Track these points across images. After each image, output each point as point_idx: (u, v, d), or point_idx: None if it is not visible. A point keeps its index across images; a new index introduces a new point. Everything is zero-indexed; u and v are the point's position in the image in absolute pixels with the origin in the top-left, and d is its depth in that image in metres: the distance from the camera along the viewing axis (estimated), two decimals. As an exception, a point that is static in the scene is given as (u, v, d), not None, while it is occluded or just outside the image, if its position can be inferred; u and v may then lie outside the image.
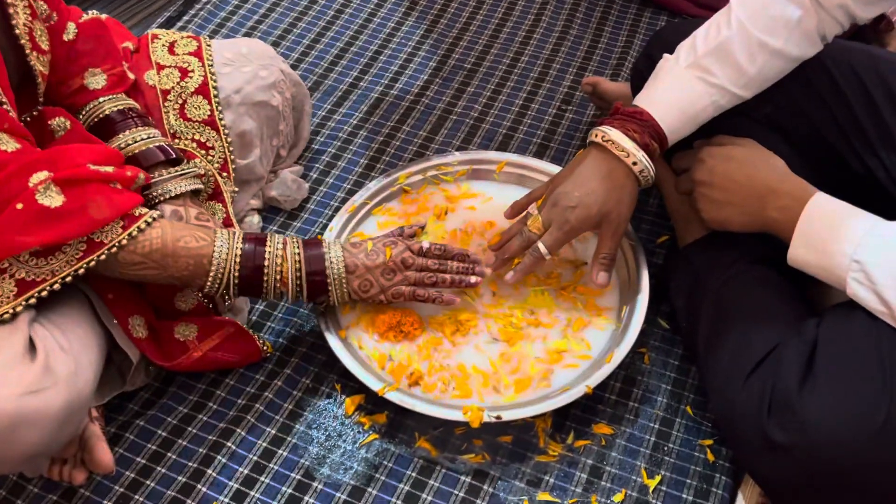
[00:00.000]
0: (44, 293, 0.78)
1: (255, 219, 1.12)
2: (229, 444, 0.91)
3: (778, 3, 0.88)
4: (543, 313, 0.98)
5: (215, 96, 1.02)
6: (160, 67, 1.02)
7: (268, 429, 0.93)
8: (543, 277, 1.01)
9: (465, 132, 1.26)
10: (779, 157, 0.91)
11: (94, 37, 0.96)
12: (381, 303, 0.94)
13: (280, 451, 0.91)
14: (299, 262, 0.89)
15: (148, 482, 0.89)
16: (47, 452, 0.81)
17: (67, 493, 0.88)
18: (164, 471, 0.89)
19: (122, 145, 0.93)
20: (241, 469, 0.90)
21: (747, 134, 0.94)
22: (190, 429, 0.93)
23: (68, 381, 0.75)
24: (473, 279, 0.95)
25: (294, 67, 1.34)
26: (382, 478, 0.89)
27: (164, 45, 1.04)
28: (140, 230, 0.82)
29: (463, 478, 0.90)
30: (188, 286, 0.90)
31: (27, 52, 0.84)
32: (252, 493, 0.88)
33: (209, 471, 0.89)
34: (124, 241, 0.81)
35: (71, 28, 0.95)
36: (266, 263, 0.88)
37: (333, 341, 0.94)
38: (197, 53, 1.04)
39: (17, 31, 0.83)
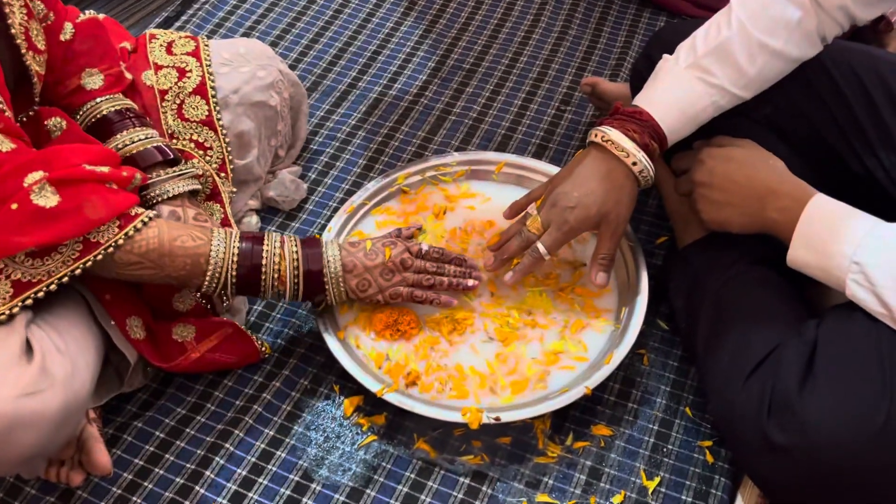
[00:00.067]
0: (40, 294, 0.78)
1: (254, 219, 1.12)
2: (227, 445, 0.91)
3: (778, 4, 0.88)
4: (541, 314, 0.98)
5: (213, 96, 1.02)
6: (158, 67, 1.02)
7: (266, 430, 0.93)
8: (542, 278, 1.01)
9: (464, 132, 1.26)
10: (778, 157, 0.91)
11: (92, 37, 0.96)
12: (378, 303, 0.94)
13: (278, 453, 0.91)
14: (297, 260, 0.89)
15: (146, 484, 0.88)
16: (44, 454, 0.80)
17: (65, 494, 0.88)
18: (161, 472, 0.89)
19: (120, 146, 0.92)
20: (239, 471, 0.89)
21: (747, 135, 0.94)
22: (188, 430, 0.93)
23: (65, 382, 0.75)
24: (471, 282, 0.96)
25: (292, 67, 1.34)
26: (381, 479, 0.89)
27: (161, 45, 1.04)
28: (136, 230, 0.81)
29: (462, 479, 0.89)
30: (186, 286, 0.90)
31: (23, 51, 0.84)
32: (250, 494, 0.88)
33: (207, 472, 0.89)
34: (121, 241, 0.80)
35: (68, 28, 0.95)
36: (264, 262, 0.87)
37: (332, 342, 0.94)
38: (195, 53, 1.04)
39: (13, 31, 0.83)
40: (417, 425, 0.92)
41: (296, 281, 0.89)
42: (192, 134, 1.01)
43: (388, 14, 1.46)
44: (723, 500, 0.88)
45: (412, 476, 0.90)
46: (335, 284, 0.90)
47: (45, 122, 0.88)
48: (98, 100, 0.94)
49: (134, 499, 0.87)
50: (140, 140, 0.93)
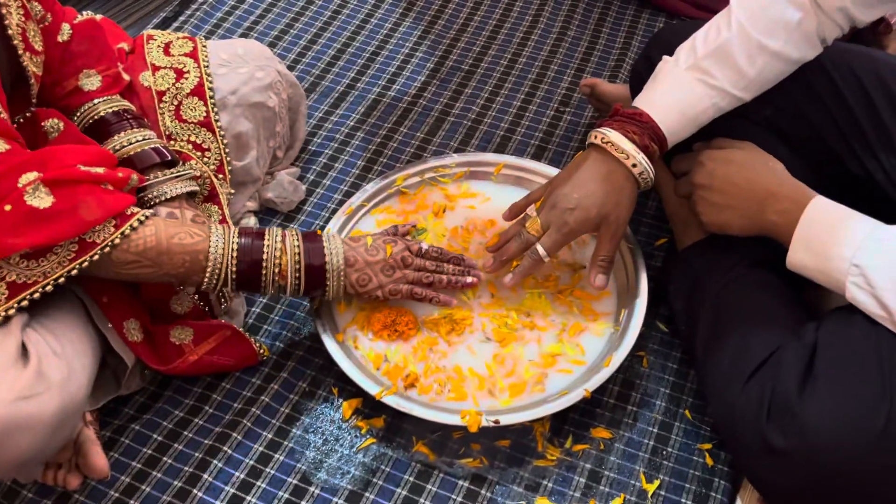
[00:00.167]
0: (36, 295, 0.77)
1: (252, 221, 1.11)
2: (225, 448, 0.90)
3: (778, 5, 0.88)
4: (539, 316, 0.98)
5: (211, 97, 1.02)
6: (155, 68, 1.02)
7: (264, 433, 0.92)
8: (541, 280, 1.01)
9: (463, 134, 1.26)
10: (778, 160, 0.91)
11: (89, 38, 0.96)
12: (377, 299, 0.93)
13: (277, 456, 0.91)
14: (299, 254, 0.88)
15: (143, 487, 0.88)
16: (41, 458, 0.80)
17: (62, 498, 0.87)
18: (159, 475, 0.89)
19: (117, 147, 0.92)
20: (237, 473, 0.89)
21: (747, 137, 0.94)
22: (186, 433, 0.92)
23: (61, 386, 0.74)
24: (469, 280, 0.96)
25: (291, 68, 1.33)
26: (380, 482, 0.89)
27: (159, 46, 1.04)
28: (133, 228, 0.81)
29: (461, 482, 0.89)
30: (185, 284, 0.90)
31: (20, 52, 0.84)
32: (249, 497, 0.87)
33: (205, 475, 0.88)
34: (117, 241, 0.80)
35: (65, 29, 0.94)
36: (264, 257, 0.87)
37: (330, 345, 0.94)
38: (193, 54, 1.03)
39: (10, 32, 0.82)
40: (416, 428, 0.92)
41: (297, 275, 0.88)
42: (189, 135, 1.01)
43: (387, 15, 1.46)
44: (722, 503, 0.88)
45: (411, 479, 0.89)
46: (336, 278, 0.90)
47: (43, 124, 0.88)
48: (95, 101, 0.94)
49: (131, 502, 0.87)
50: (138, 141, 0.93)
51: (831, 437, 0.75)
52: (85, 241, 0.79)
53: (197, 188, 0.97)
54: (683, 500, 0.88)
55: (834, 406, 0.76)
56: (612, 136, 0.90)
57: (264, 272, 0.87)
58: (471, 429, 0.87)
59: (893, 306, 0.76)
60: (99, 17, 1.00)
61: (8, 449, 0.71)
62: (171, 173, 0.94)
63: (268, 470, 0.90)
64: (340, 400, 0.95)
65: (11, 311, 0.76)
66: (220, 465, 0.89)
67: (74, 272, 0.78)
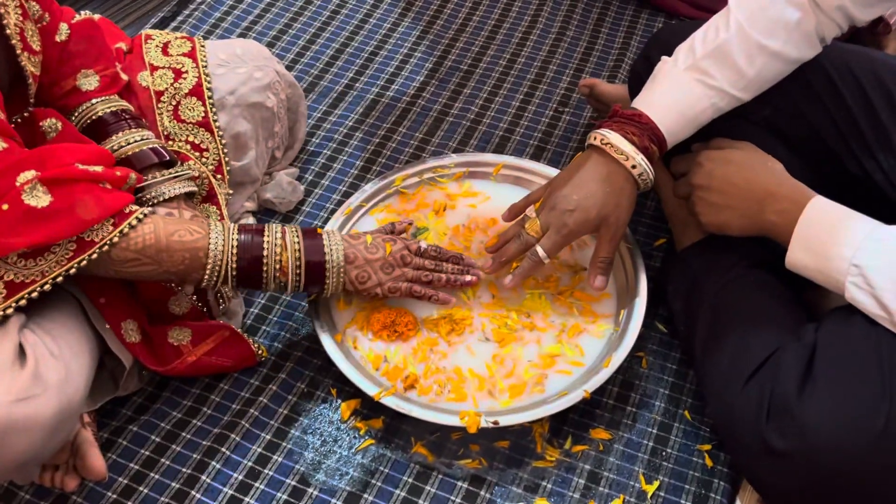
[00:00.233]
0: (34, 295, 0.77)
1: (250, 221, 1.11)
2: (224, 449, 0.90)
3: (776, 5, 0.88)
4: (539, 317, 0.97)
5: (209, 98, 1.02)
6: (154, 68, 1.01)
7: (263, 434, 0.92)
8: (542, 280, 1.00)
9: (462, 134, 1.26)
10: (777, 160, 0.90)
11: (87, 37, 0.95)
12: (376, 297, 0.93)
13: (275, 457, 0.91)
14: (299, 250, 0.88)
15: (141, 488, 0.88)
16: (38, 460, 0.79)
17: (59, 499, 0.87)
18: (157, 477, 0.89)
19: (115, 147, 0.92)
20: (235, 475, 0.89)
21: (746, 137, 0.94)
22: (184, 434, 0.92)
23: (59, 387, 0.74)
24: (468, 278, 0.96)
25: (289, 68, 1.33)
26: (378, 483, 0.89)
27: (157, 46, 1.03)
28: (131, 227, 0.81)
29: (460, 483, 0.89)
30: (185, 281, 0.89)
31: (18, 52, 0.83)
32: (247, 498, 0.87)
33: (203, 476, 0.88)
34: (115, 239, 0.80)
35: (63, 29, 0.94)
36: (265, 253, 0.87)
37: (329, 345, 0.93)
38: (191, 54, 1.03)
39: (8, 32, 0.82)
40: (415, 429, 0.92)
41: (298, 272, 0.88)
42: (188, 135, 1.00)
43: (385, 15, 1.45)
44: (722, 504, 0.88)
45: (410, 480, 0.89)
46: (335, 275, 0.90)
47: (41, 124, 0.87)
48: (93, 101, 0.93)
49: (129, 503, 0.86)
50: (136, 141, 0.93)
51: (831, 437, 0.75)
52: (83, 240, 0.78)
53: (195, 188, 0.97)
54: (683, 501, 0.88)
55: (834, 406, 0.76)
56: (612, 138, 0.90)
57: (265, 269, 0.87)
58: (470, 430, 0.87)
59: (893, 306, 0.76)
60: (97, 16, 1.00)
61: (5, 451, 0.70)
62: (170, 174, 0.94)
63: (266, 471, 0.89)
64: (339, 401, 0.95)
65: (9, 311, 0.76)
66: (218, 466, 0.89)
67: (73, 271, 0.78)
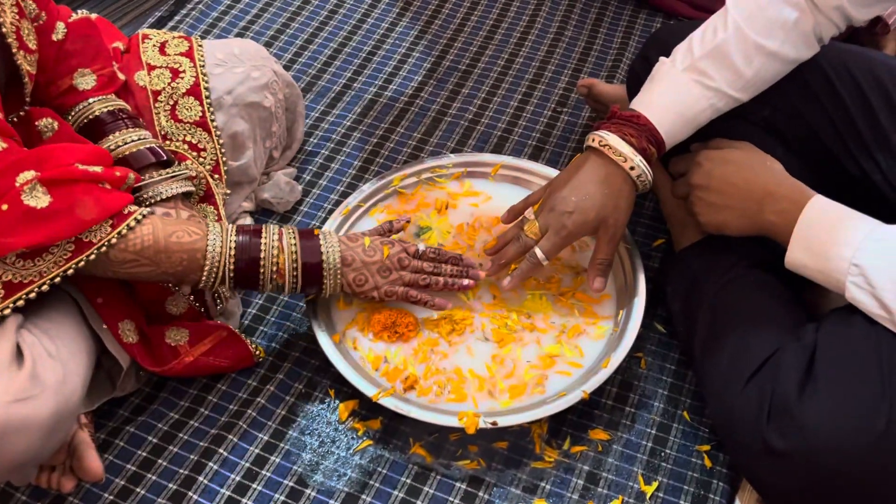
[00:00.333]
0: (32, 295, 0.77)
1: (248, 221, 1.11)
2: (221, 450, 0.90)
3: (774, 5, 0.88)
4: (540, 318, 0.97)
5: (207, 97, 1.01)
6: (151, 68, 1.01)
7: (260, 435, 0.92)
8: (543, 282, 1.00)
9: (460, 134, 1.26)
10: (776, 160, 0.90)
11: (84, 36, 0.95)
12: (373, 300, 0.93)
13: (273, 458, 0.90)
14: (296, 252, 0.88)
15: (138, 489, 0.87)
16: (35, 461, 0.79)
17: (56, 501, 0.87)
18: (154, 478, 0.88)
19: (112, 147, 0.91)
20: (233, 476, 0.88)
21: (744, 137, 0.94)
22: (181, 435, 0.92)
23: (56, 388, 0.74)
24: (466, 282, 0.95)
25: (287, 68, 1.33)
26: (377, 484, 0.88)
27: (154, 46, 1.03)
28: (130, 228, 0.80)
29: (458, 484, 0.89)
30: (183, 282, 0.89)
31: (14, 50, 0.83)
32: (244, 500, 0.87)
33: (200, 478, 0.88)
34: (114, 240, 0.79)
35: (60, 28, 0.94)
36: (262, 255, 0.87)
37: (327, 346, 0.93)
38: (188, 54, 1.03)
39: (4, 30, 0.82)
40: (413, 430, 0.91)
41: (294, 273, 0.88)
42: (185, 135, 1.00)
43: (383, 15, 1.45)
44: (721, 505, 0.88)
45: (408, 481, 0.89)
46: (332, 276, 0.90)
47: (37, 123, 0.87)
48: (90, 100, 0.93)
49: (126, 505, 0.86)
50: (133, 141, 0.92)
51: (831, 437, 0.75)
52: (82, 241, 0.78)
53: (193, 188, 0.96)
54: (682, 502, 0.88)
55: (834, 407, 0.76)
56: (610, 139, 0.90)
57: (262, 270, 0.87)
58: (468, 430, 0.87)
59: (893, 306, 0.76)
60: (94, 15, 1.00)
61: (3, 452, 0.70)
62: (167, 173, 0.94)
63: (264, 472, 0.89)
64: (337, 402, 0.95)
65: (7, 311, 0.76)
66: (215, 467, 0.89)
67: (71, 272, 0.78)
